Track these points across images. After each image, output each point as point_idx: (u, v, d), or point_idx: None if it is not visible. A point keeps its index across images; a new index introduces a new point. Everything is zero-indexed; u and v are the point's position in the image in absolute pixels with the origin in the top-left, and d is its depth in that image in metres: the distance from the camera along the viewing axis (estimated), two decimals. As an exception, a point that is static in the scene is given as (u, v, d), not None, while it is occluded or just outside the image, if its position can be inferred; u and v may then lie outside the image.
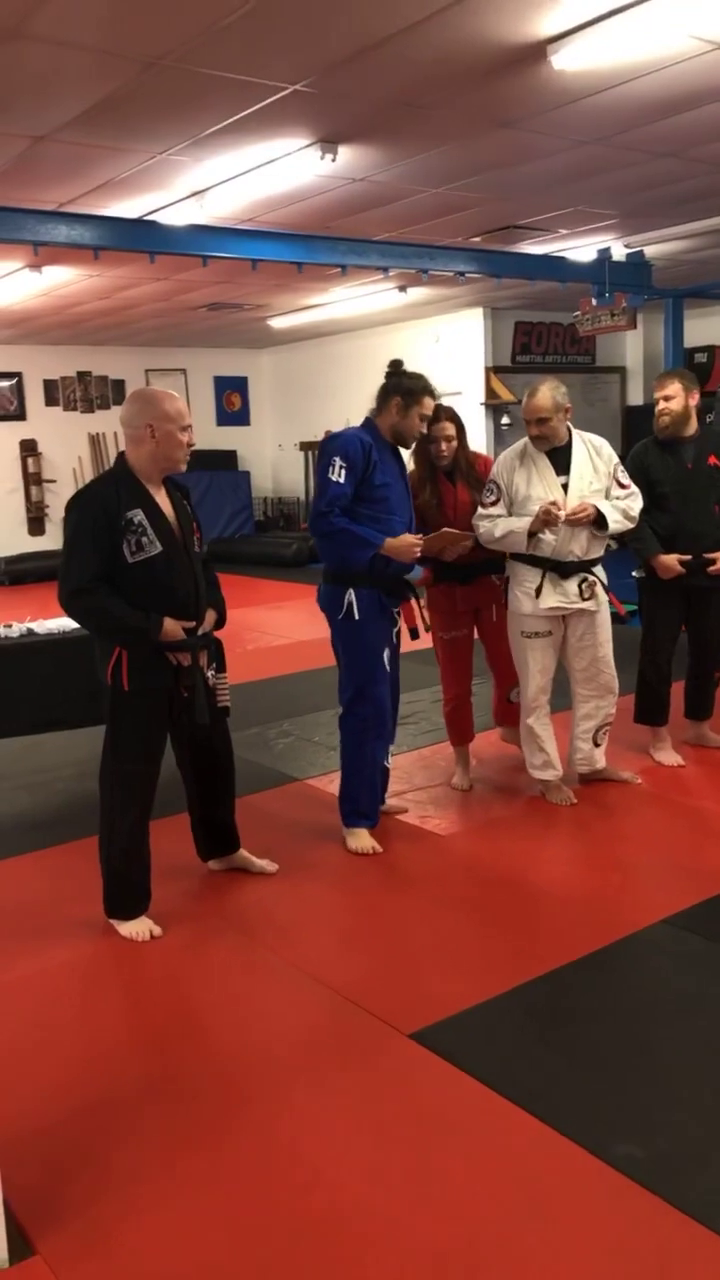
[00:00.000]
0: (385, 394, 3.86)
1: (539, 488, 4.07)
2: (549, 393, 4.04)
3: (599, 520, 4.04)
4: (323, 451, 3.88)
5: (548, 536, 4.03)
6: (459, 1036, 2.70)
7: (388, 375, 3.88)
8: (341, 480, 3.72)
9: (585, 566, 4.14)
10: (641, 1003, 2.86)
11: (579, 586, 4.13)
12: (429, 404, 3.83)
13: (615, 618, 4.34)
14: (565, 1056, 2.62)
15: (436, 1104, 2.46)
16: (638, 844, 3.96)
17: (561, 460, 4.11)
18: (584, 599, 4.14)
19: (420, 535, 3.88)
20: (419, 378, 3.84)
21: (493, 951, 3.16)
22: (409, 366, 3.90)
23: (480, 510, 4.16)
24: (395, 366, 3.91)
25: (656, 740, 4.76)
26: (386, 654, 3.90)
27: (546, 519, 3.98)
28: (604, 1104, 2.42)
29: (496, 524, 4.09)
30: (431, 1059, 2.61)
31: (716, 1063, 2.57)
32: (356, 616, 3.82)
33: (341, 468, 3.72)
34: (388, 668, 3.92)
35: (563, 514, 3.99)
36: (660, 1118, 2.36)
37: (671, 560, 4.44)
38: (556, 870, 3.76)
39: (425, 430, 3.95)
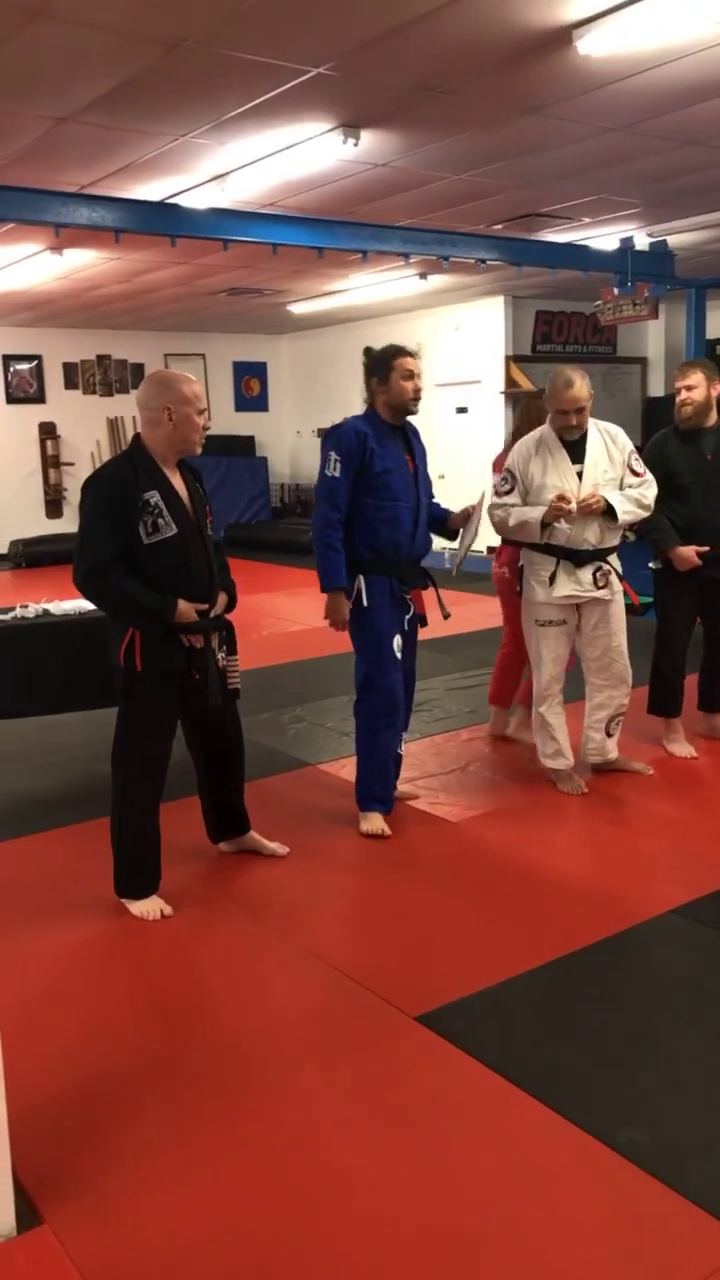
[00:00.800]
0: (366, 382, 3.92)
1: (554, 476, 4.08)
2: (583, 382, 4.04)
3: (609, 510, 4.04)
4: (322, 446, 3.95)
5: (562, 526, 4.04)
6: (466, 1020, 2.71)
7: (364, 366, 3.94)
8: (338, 474, 3.79)
9: (600, 555, 4.14)
10: (649, 992, 2.87)
11: (593, 575, 4.13)
12: (407, 362, 3.81)
13: (629, 609, 4.33)
14: (571, 1043, 2.63)
15: (442, 1087, 2.47)
16: (648, 834, 3.96)
17: (578, 449, 4.12)
18: (598, 588, 4.14)
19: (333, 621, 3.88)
20: (385, 348, 3.87)
21: (501, 937, 3.17)
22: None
23: (494, 499, 4.18)
24: (367, 354, 3.96)
25: (670, 732, 4.75)
26: (398, 641, 3.90)
27: (558, 512, 3.99)
28: (609, 1090, 2.43)
29: (510, 513, 4.12)
30: (438, 1042, 2.62)
31: (717, 1051, 2.57)
32: (365, 603, 3.84)
33: (336, 461, 3.80)
34: (399, 655, 3.92)
35: (573, 506, 3.99)
36: (665, 1105, 2.37)
37: (689, 552, 4.42)
38: (566, 859, 3.77)
39: (418, 388, 3.85)
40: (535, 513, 4.05)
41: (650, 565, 4.65)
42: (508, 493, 4.16)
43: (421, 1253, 1.97)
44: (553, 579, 4.11)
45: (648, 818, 4.09)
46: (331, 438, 3.86)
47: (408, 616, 3.95)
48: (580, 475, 4.08)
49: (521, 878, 3.60)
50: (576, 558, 4.10)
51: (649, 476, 4.20)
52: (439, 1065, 2.55)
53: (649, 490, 4.17)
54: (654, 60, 4.51)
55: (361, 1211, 2.08)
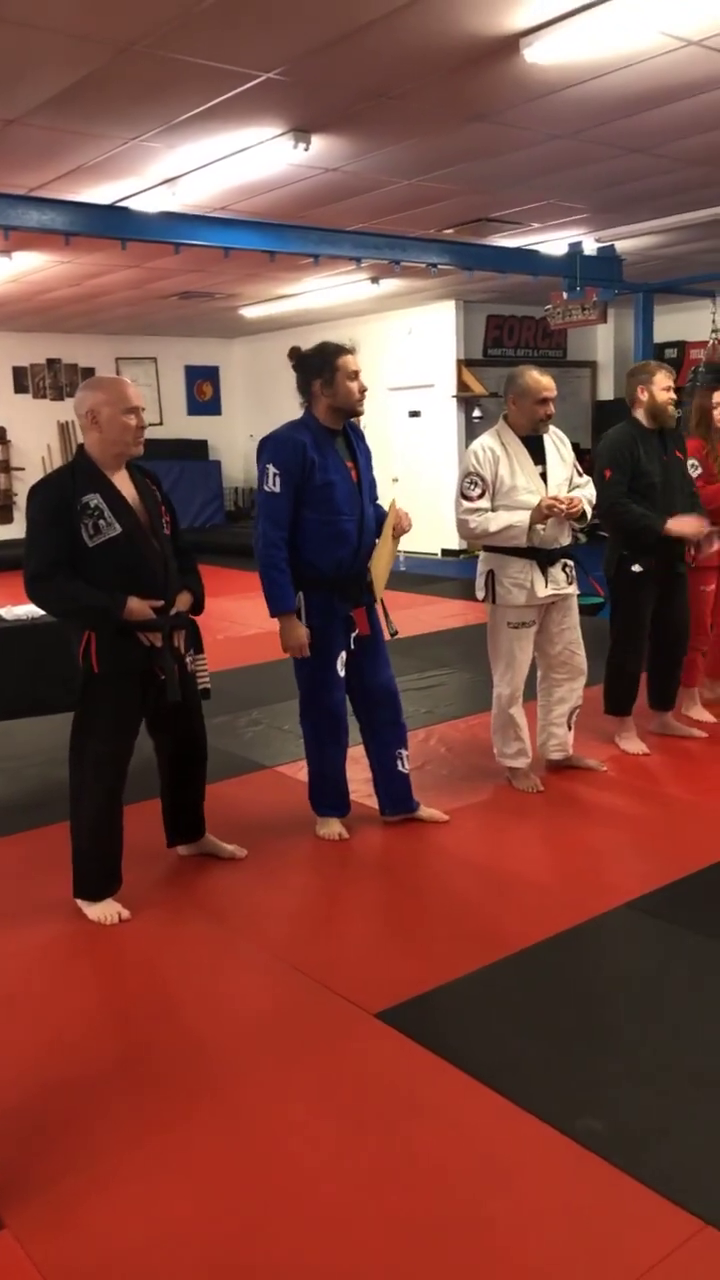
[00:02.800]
0: (305, 384, 3.69)
1: (522, 478, 4.10)
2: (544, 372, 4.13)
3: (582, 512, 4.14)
4: (257, 458, 3.72)
5: (539, 528, 4.05)
6: (425, 1016, 2.74)
7: (295, 368, 3.73)
8: (277, 489, 3.61)
9: (566, 552, 4.23)
10: (604, 984, 2.92)
11: (563, 571, 4.21)
12: (350, 360, 3.63)
13: (586, 609, 4.39)
14: (529, 1034, 2.67)
15: (402, 1081, 2.50)
16: (603, 830, 4.02)
17: (536, 450, 4.17)
18: (569, 583, 4.23)
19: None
20: (321, 347, 3.68)
21: (458, 933, 3.20)
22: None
23: (466, 504, 4.11)
24: (294, 354, 3.79)
25: (622, 729, 4.83)
26: (342, 658, 3.78)
27: (550, 513, 4.00)
28: (566, 1080, 2.47)
29: (489, 518, 4.07)
30: (398, 1038, 2.64)
31: (674, 1040, 2.62)
32: (306, 623, 3.70)
33: (276, 475, 3.61)
34: (341, 673, 3.79)
35: (563, 508, 4.01)
36: (620, 1092, 2.42)
37: (690, 519, 4.48)
38: (522, 855, 3.81)
39: (363, 388, 3.66)
40: (520, 516, 4.03)
41: (634, 569, 4.56)
42: (479, 496, 4.09)
43: (383, 1247, 1.99)
44: (530, 581, 4.13)
45: (602, 814, 4.15)
46: (268, 449, 3.66)
47: (353, 633, 3.79)
48: (544, 476, 4.13)
49: (478, 875, 3.64)
50: (551, 557, 4.15)
51: (588, 477, 4.33)
52: (399, 1060, 2.57)
53: (591, 490, 4.30)
54: (599, 69, 4.59)
55: (323, 1208, 2.10)
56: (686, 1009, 2.77)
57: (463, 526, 4.14)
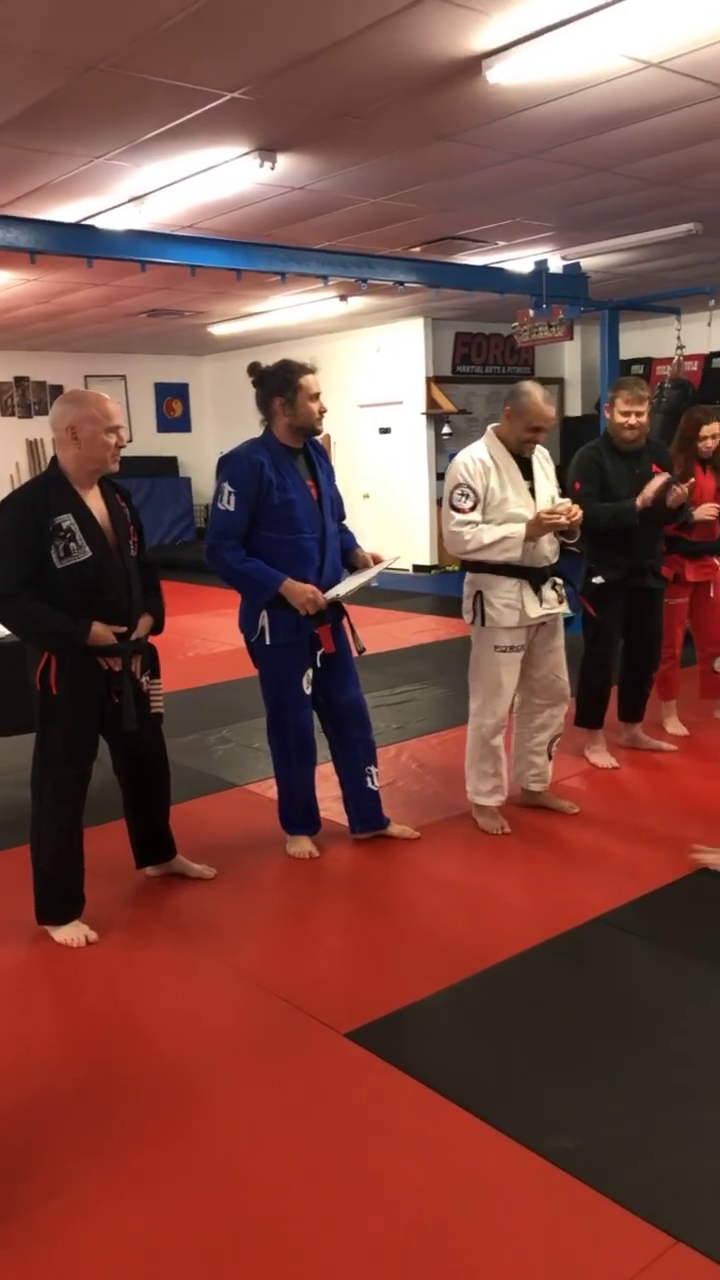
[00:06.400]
0: (265, 401, 3.69)
1: (512, 491, 3.93)
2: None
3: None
4: (216, 475, 3.71)
5: (538, 544, 3.90)
6: (395, 1035, 2.73)
7: (255, 384, 3.72)
8: (232, 508, 3.58)
9: (556, 570, 4.05)
10: (574, 999, 2.91)
11: (554, 590, 4.02)
12: (313, 381, 3.63)
13: (568, 621, 4.31)
14: (499, 1052, 2.66)
15: (372, 1101, 2.48)
16: (572, 845, 4.02)
17: (525, 464, 4.00)
18: (560, 602, 4.05)
19: (318, 590, 3.63)
20: (283, 366, 3.66)
21: (429, 951, 3.19)
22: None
23: (459, 516, 3.90)
24: (254, 370, 3.76)
25: (592, 743, 4.84)
26: (309, 676, 3.76)
27: (549, 525, 3.84)
28: (536, 1098, 2.46)
29: (483, 530, 3.87)
30: (368, 1057, 2.63)
31: (644, 1055, 2.62)
32: (268, 641, 3.69)
33: (230, 494, 3.58)
34: (308, 691, 3.77)
35: (563, 520, 3.83)
36: (590, 1110, 2.41)
37: (650, 483, 4.48)
38: (492, 871, 3.80)
39: (323, 408, 3.66)
40: (516, 529, 3.83)
41: (595, 580, 4.59)
42: (472, 509, 3.88)
43: (353, 1268, 1.97)
44: (521, 601, 3.93)
45: (572, 829, 4.15)
46: (225, 467, 3.64)
47: (319, 652, 3.76)
48: (532, 491, 3.98)
49: (448, 891, 3.63)
50: (542, 575, 3.97)
51: (568, 499, 4.18)
52: (368, 1080, 2.56)
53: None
54: (561, 90, 4.64)
55: (294, 1229, 2.07)
56: (656, 1024, 2.77)
57: (455, 540, 3.92)
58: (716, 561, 5.18)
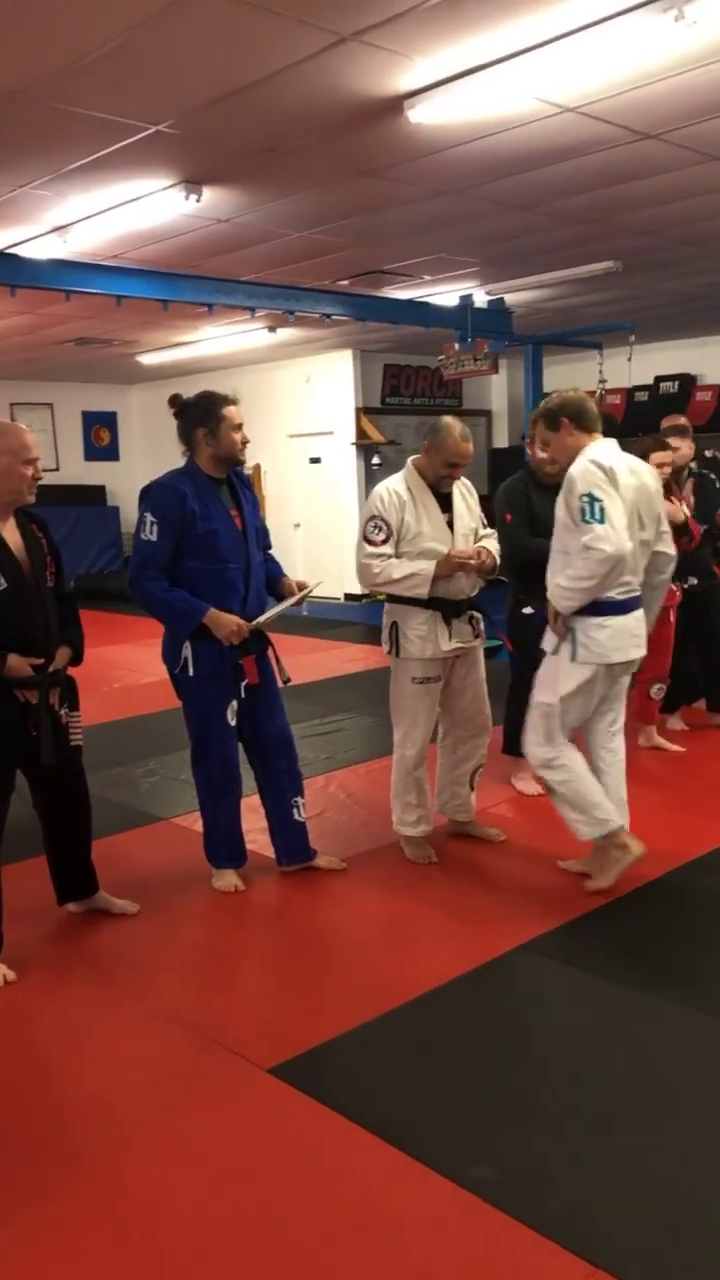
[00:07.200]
0: (188, 433, 3.68)
1: (428, 525, 3.93)
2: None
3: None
4: (139, 505, 3.68)
5: (453, 578, 3.89)
6: (318, 1070, 2.70)
7: (176, 416, 3.72)
8: (155, 538, 3.57)
9: (472, 604, 4.05)
10: (497, 1027, 2.92)
11: (470, 624, 4.03)
12: (235, 412, 3.64)
13: (490, 652, 4.32)
14: (422, 1084, 2.65)
15: (296, 1138, 2.45)
16: (498, 873, 4.03)
17: (442, 497, 4.00)
18: (475, 636, 4.06)
19: (243, 620, 3.62)
20: (205, 397, 3.67)
21: (354, 983, 3.17)
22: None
23: (369, 549, 3.89)
24: (175, 402, 3.74)
25: (519, 770, 4.88)
26: (233, 707, 3.73)
27: (459, 567, 3.83)
28: (459, 1129, 2.46)
29: (392, 565, 3.86)
30: (291, 1093, 2.60)
31: (566, 1084, 2.63)
32: (192, 672, 3.66)
33: (153, 524, 3.57)
34: (233, 723, 3.75)
35: (473, 562, 3.84)
36: (512, 1139, 2.41)
37: None
38: (419, 901, 3.80)
39: (245, 439, 3.67)
40: (426, 566, 3.82)
41: (525, 610, 4.59)
42: (384, 542, 3.87)
43: (273, 1311, 1.94)
44: (435, 634, 3.92)
45: (497, 857, 4.17)
46: (148, 497, 3.63)
47: (243, 683, 3.75)
48: (450, 525, 3.98)
49: (374, 923, 3.62)
50: (457, 609, 3.97)
51: (493, 531, 4.23)
52: (291, 1116, 2.53)
53: (494, 543, 4.13)
54: (481, 131, 4.74)
55: (214, 1272, 2.03)
56: (577, 1051, 2.78)
57: (364, 572, 3.92)
58: (673, 586, 5.23)
